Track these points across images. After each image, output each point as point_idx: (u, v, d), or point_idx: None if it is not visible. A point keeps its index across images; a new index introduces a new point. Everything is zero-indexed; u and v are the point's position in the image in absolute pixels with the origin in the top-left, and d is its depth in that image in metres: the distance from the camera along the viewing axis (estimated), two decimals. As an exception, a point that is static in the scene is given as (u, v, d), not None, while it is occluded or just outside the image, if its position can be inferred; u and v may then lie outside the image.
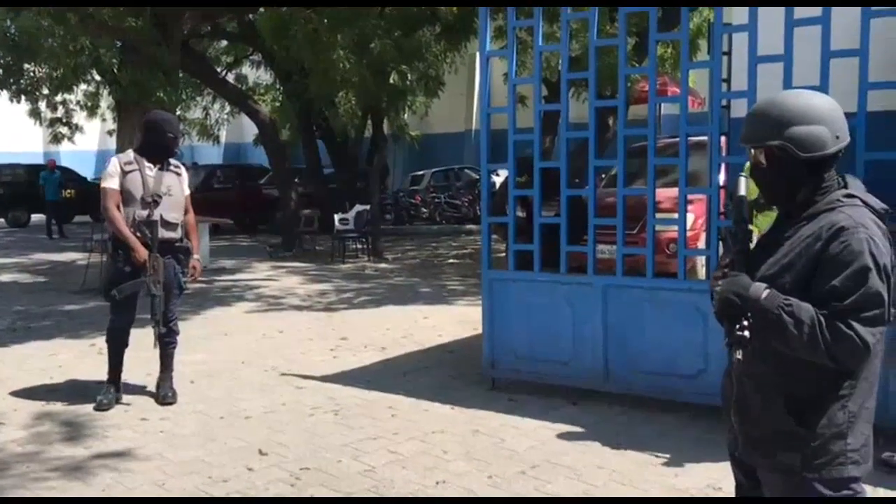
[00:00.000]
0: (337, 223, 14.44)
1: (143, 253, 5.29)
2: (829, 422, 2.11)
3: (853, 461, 2.12)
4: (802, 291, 2.09)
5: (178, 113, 14.33)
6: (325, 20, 12.22)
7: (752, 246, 2.27)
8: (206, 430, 5.11)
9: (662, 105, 10.72)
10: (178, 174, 5.57)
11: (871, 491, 4.02)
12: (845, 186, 2.19)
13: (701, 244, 7.14)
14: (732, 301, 2.11)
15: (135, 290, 5.40)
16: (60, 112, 18.84)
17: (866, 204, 2.15)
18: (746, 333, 2.08)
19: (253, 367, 6.68)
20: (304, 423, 5.25)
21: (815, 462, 2.12)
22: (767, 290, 2.08)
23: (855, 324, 2.01)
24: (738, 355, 2.12)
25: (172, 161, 5.58)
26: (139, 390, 5.87)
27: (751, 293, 2.09)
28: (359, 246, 14.69)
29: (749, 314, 2.09)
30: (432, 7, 12.80)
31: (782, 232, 2.21)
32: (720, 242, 5.16)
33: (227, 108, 20.88)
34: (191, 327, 8.15)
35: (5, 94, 13.59)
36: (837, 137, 2.13)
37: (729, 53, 5.41)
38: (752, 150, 2.22)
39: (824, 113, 2.14)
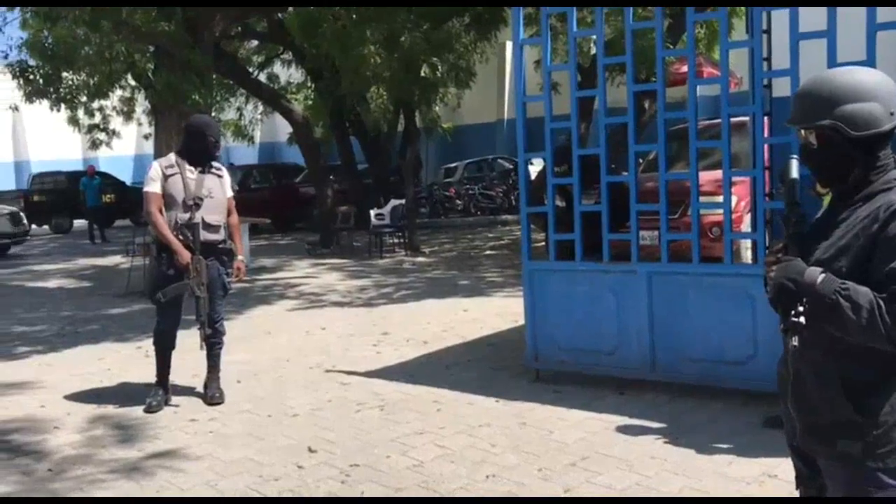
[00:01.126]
0: (373, 218, 14.48)
1: (185, 255, 5.35)
2: (891, 409, 2.04)
3: None
4: (860, 275, 2.02)
5: (212, 114, 14.45)
6: (354, 16, 12.23)
7: (805, 229, 2.20)
8: (255, 429, 5.15)
9: (699, 87, 10.54)
10: (220, 176, 5.61)
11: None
12: None
13: (745, 227, 7.01)
14: (787, 287, 2.05)
15: (179, 293, 5.46)
16: (98, 118, 19.12)
17: None
18: (802, 319, 2.02)
19: (297, 365, 6.72)
20: (351, 419, 5.26)
21: (877, 451, 2.05)
22: (823, 275, 2.02)
23: None
24: (795, 342, 2.07)
25: (214, 164, 5.62)
26: (187, 391, 5.93)
27: (806, 278, 2.02)
28: (395, 240, 14.72)
29: (804, 300, 2.03)
30: (462, 5, 12.74)
31: (837, 214, 2.14)
32: (766, 225, 5.06)
33: (261, 108, 21.03)
34: (234, 327, 8.21)
35: (45, 102, 13.82)
36: (892, 114, 2.05)
37: (769, 31, 5.27)
38: (802, 132, 2.15)
39: (877, 89, 2.06)
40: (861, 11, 4.49)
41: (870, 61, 4.43)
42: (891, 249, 1.99)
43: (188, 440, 4.97)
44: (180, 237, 5.39)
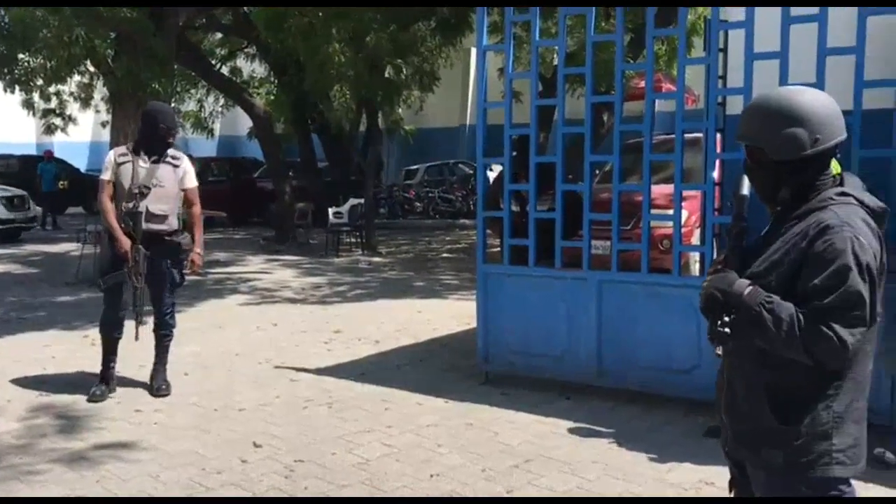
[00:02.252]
0: (331, 217, 14.43)
1: (124, 244, 5.32)
2: (812, 421, 2.10)
3: (838, 462, 2.10)
4: (789, 289, 2.08)
5: (172, 105, 14.27)
6: (321, 13, 12.19)
7: (745, 243, 2.26)
8: (201, 422, 5.11)
9: (656, 102, 10.73)
10: (175, 166, 5.54)
11: (861, 487, 4.06)
12: (842, 184, 2.18)
13: (695, 240, 7.17)
14: (715, 296, 2.11)
15: (117, 281, 5.42)
16: (54, 103, 18.74)
17: (861, 202, 2.13)
18: (727, 330, 2.08)
19: (247, 360, 6.68)
20: (298, 415, 5.26)
21: (798, 461, 2.11)
22: (750, 287, 2.08)
23: (834, 323, 1.99)
24: (718, 351, 2.14)
25: (171, 152, 5.55)
26: (133, 382, 5.86)
27: (733, 289, 2.09)
28: (353, 240, 14.68)
29: (732, 310, 2.09)
30: (429, 5, 12.78)
31: (778, 230, 2.21)
32: (714, 239, 5.18)
33: (222, 101, 20.81)
34: (185, 320, 8.11)
35: (-1, 84, 13.51)
36: (817, 139, 2.10)
37: (725, 50, 5.41)
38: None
39: (807, 114, 2.11)
40: (814, 35, 4.63)
41: (819, 83, 4.58)
42: (814, 266, 2.05)
43: (132, 431, 4.92)
44: (122, 225, 5.36)
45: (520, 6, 5.99)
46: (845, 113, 4.63)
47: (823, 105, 2.15)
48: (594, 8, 5.58)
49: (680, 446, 4.58)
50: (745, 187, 2.26)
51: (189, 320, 8.10)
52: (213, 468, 4.34)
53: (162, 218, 5.45)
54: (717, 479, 4.01)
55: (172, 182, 5.50)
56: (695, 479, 4.15)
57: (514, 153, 5.93)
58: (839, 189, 2.15)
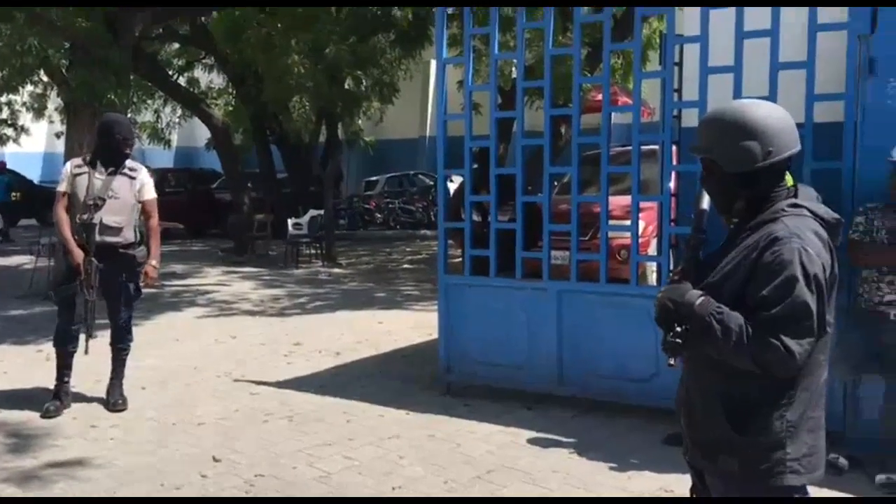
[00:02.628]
0: (290, 228, 14.33)
1: (77, 256, 5.24)
2: (766, 430, 2.12)
3: (793, 470, 2.13)
4: (738, 300, 2.11)
5: (128, 116, 14.07)
6: (279, 24, 12.14)
7: (701, 255, 2.29)
8: (158, 436, 5.04)
9: (613, 114, 10.89)
10: (132, 178, 5.47)
11: (814, 492, 4.14)
12: (796, 196, 2.20)
13: (651, 251, 7.27)
14: (667, 307, 2.14)
15: (69, 294, 5.33)
16: (6, 113, 18.37)
17: (814, 214, 2.16)
18: (678, 340, 2.10)
19: (205, 373, 6.60)
20: (258, 429, 5.20)
21: (753, 469, 2.14)
22: (702, 298, 2.10)
23: (781, 334, 2.02)
24: (671, 361, 2.15)
25: (129, 164, 5.48)
26: (89, 398, 5.75)
27: (685, 300, 2.11)
28: (312, 251, 14.59)
29: (684, 321, 2.11)
30: (387, 11, 12.80)
31: (733, 241, 2.24)
32: (671, 249, 5.27)
33: (179, 112, 20.58)
34: (142, 333, 7.99)
35: (-52, 93, 13.24)
36: (770, 152, 2.13)
37: (680, 64, 5.52)
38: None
39: (759, 127, 2.13)
40: (766, 49, 4.74)
41: (772, 96, 4.68)
42: (763, 277, 2.07)
43: (87, 447, 4.83)
44: (77, 237, 5.28)
45: (481, 5, 6.01)
46: (798, 126, 4.75)
47: (777, 118, 2.18)
48: (552, 22, 5.65)
49: (640, 454, 4.63)
50: (705, 202, 2.29)
51: (146, 333, 7.98)
52: (171, 484, 4.27)
53: (116, 230, 5.36)
54: (676, 486, 4.07)
55: (128, 194, 5.43)
56: (655, 487, 4.20)
57: (476, 166, 5.96)
58: (791, 200, 2.17)
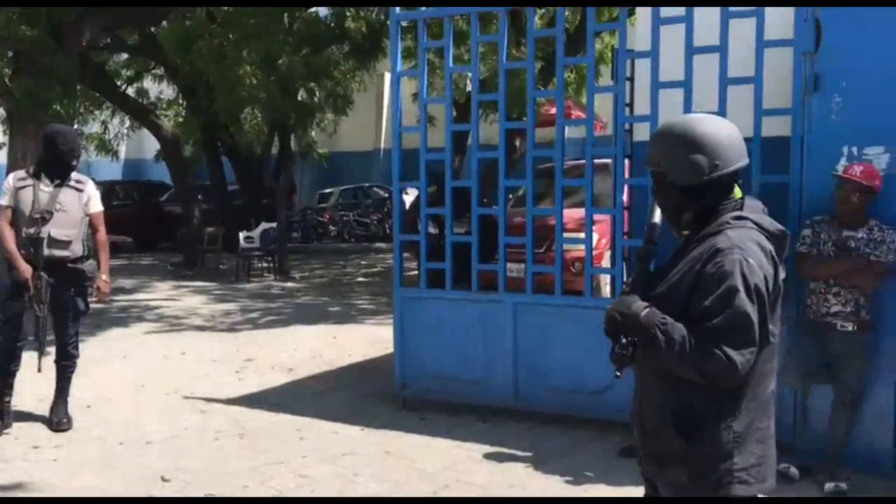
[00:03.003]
0: (242, 241, 14.13)
1: (24, 271, 5.08)
2: (713, 441, 2.14)
3: (741, 481, 2.14)
4: (683, 311, 2.13)
5: (74, 126, 13.75)
6: (231, 35, 12.01)
7: (650, 267, 2.31)
8: (105, 457, 4.89)
9: (566, 128, 11.02)
10: (79, 190, 5.33)
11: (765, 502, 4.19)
12: (742, 208, 2.22)
13: (605, 263, 7.32)
14: (615, 318, 2.17)
15: (17, 311, 5.16)
16: (-56, 123, 17.81)
17: (759, 226, 2.18)
18: (625, 351, 2.13)
19: (154, 391, 6.44)
20: (209, 447, 5.09)
21: (702, 480, 2.16)
22: (647, 309, 2.13)
23: (723, 344, 2.03)
24: (618, 372, 2.16)
25: (75, 176, 5.34)
26: (32, 417, 5.56)
27: (631, 311, 2.14)
28: (264, 265, 14.42)
29: (631, 332, 2.14)
30: (341, 23, 12.76)
31: (682, 253, 2.25)
32: (624, 261, 5.30)
33: (128, 123, 20.21)
34: (88, 349, 7.76)
35: None
36: (716, 165, 2.15)
37: (632, 79, 5.58)
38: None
39: (706, 141, 2.16)
40: (716, 65, 4.82)
41: (721, 111, 4.76)
42: (705, 288, 2.09)
43: (29, 470, 4.66)
44: (23, 252, 5.12)
45: (432, 5, 6.00)
46: (746, 140, 4.82)
47: (724, 132, 2.21)
48: (506, 35, 5.68)
49: (595, 467, 4.64)
50: (657, 215, 2.31)
51: (92, 350, 7.77)
52: (118, 506, 4.15)
53: (65, 244, 5.22)
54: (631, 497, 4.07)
55: (76, 207, 5.28)
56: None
57: (434, 187, 5.94)
58: (736, 213, 2.20)
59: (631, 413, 2.42)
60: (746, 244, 2.11)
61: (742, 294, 2.04)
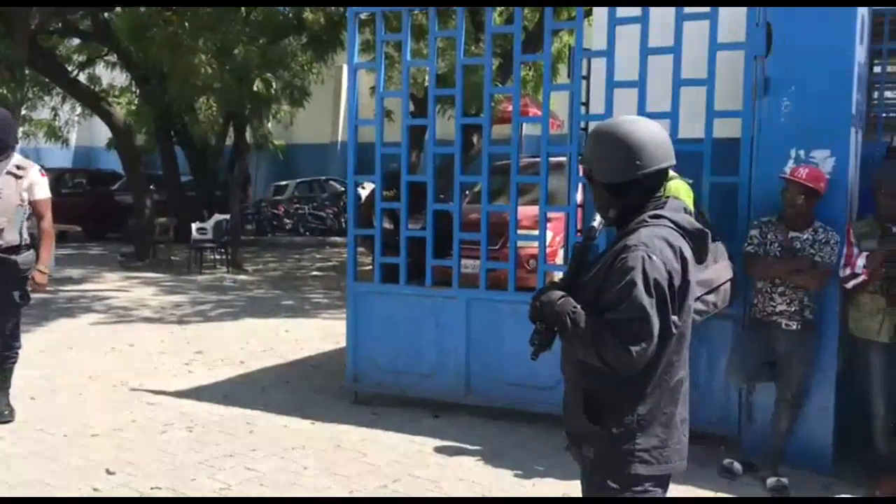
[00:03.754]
0: (194, 232, 13.93)
1: None
2: (618, 423, 2.26)
3: (641, 461, 2.26)
4: (594, 302, 2.26)
5: (23, 112, 13.43)
6: (187, 24, 11.82)
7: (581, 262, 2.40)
8: (48, 449, 4.79)
9: (524, 125, 11.10)
10: (19, 177, 5.16)
11: (702, 493, 4.27)
12: (662, 207, 2.32)
13: (559, 260, 7.38)
14: (535, 306, 2.31)
15: None
16: None
17: (676, 224, 2.28)
18: (539, 336, 2.28)
19: (100, 383, 6.32)
20: (156, 440, 5.01)
21: (606, 457, 2.29)
22: (563, 298, 2.25)
23: (620, 334, 2.16)
24: (533, 356, 2.31)
25: (16, 161, 5.18)
26: (-29, 408, 5.42)
27: (549, 299, 2.27)
28: (217, 257, 14.24)
29: (547, 319, 2.27)
30: (299, 14, 12.64)
31: (609, 248, 2.36)
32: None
33: (79, 110, 19.77)
34: (32, 340, 7.61)
35: None
36: (637, 163, 2.25)
37: (588, 78, 5.63)
38: None
39: (630, 142, 2.26)
40: (669, 66, 4.89)
41: (674, 111, 4.84)
42: (611, 281, 2.22)
43: (-32, 461, 4.55)
44: None
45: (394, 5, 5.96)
46: (697, 141, 4.90)
47: (649, 134, 2.29)
48: (464, 31, 5.68)
49: (544, 461, 4.68)
50: (597, 220, 2.39)
51: (37, 341, 7.60)
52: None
53: None
54: (577, 491, 4.11)
55: (12, 193, 5.10)
56: (558, 492, 4.25)
57: (393, 190, 5.91)
58: (654, 212, 2.30)
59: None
60: (654, 241, 2.21)
61: (640, 288, 2.15)
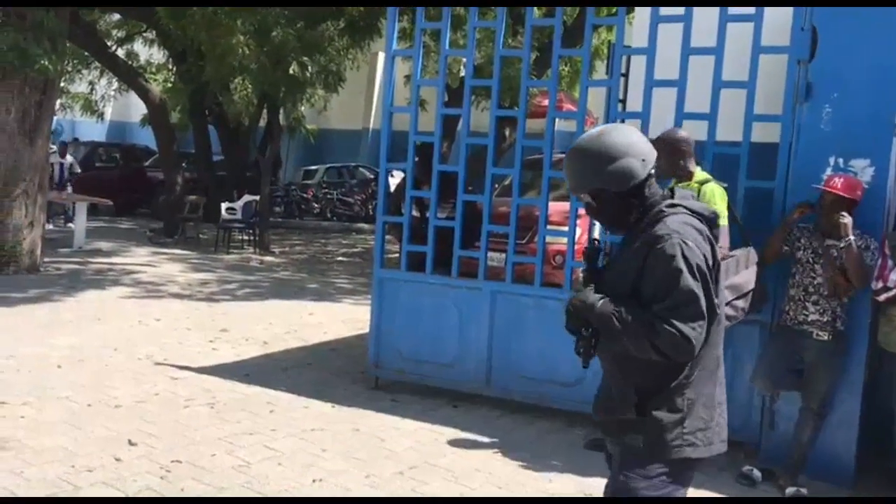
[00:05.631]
0: (223, 212, 14.04)
1: None
2: (670, 409, 2.31)
3: (690, 444, 2.32)
4: (632, 297, 2.31)
5: (61, 85, 13.57)
6: (226, 5, 11.87)
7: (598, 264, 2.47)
8: (72, 417, 4.86)
9: (557, 120, 11.05)
10: None
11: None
12: (672, 197, 2.39)
13: (586, 258, 7.33)
14: (571, 311, 2.34)
15: None
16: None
17: (692, 211, 2.36)
18: (587, 343, 2.30)
19: (125, 355, 6.40)
20: (178, 414, 5.07)
21: (655, 445, 2.32)
22: (602, 300, 2.29)
23: (674, 320, 2.20)
24: (585, 365, 2.32)
25: None
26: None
27: (588, 303, 2.30)
28: (245, 237, 14.34)
29: (590, 323, 2.29)
30: (339, 6, 12.66)
31: (627, 245, 2.42)
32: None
33: (115, 85, 19.96)
34: (61, 310, 7.73)
35: None
36: (644, 161, 2.33)
37: (626, 75, 5.58)
38: (581, 195, 2.43)
39: (624, 145, 2.33)
40: (710, 66, 4.83)
41: (713, 113, 4.78)
42: (652, 273, 2.27)
43: (-5, 424, 4.63)
44: None
45: (429, 5, 5.96)
46: (735, 144, 4.84)
47: (630, 135, 2.37)
48: (504, 23, 5.66)
49: (562, 457, 4.67)
50: (596, 232, 2.45)
51: (65, 311, 7.72)
52: (83, 466, 4.12)
53: None
54: (596, 491, 4.10)
55: None
56: (573, 490, 4.23)
57: (417, 158, 5.91)
58: (669, 202, 2.37)
59: (595, 395, 2.57)
60: (683, 228, 2.28)
61: (686, 273, 2.22)
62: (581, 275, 2.47)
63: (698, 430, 2.33)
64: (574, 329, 2.33)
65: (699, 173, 4.45)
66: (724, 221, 4.26)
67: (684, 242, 2.25)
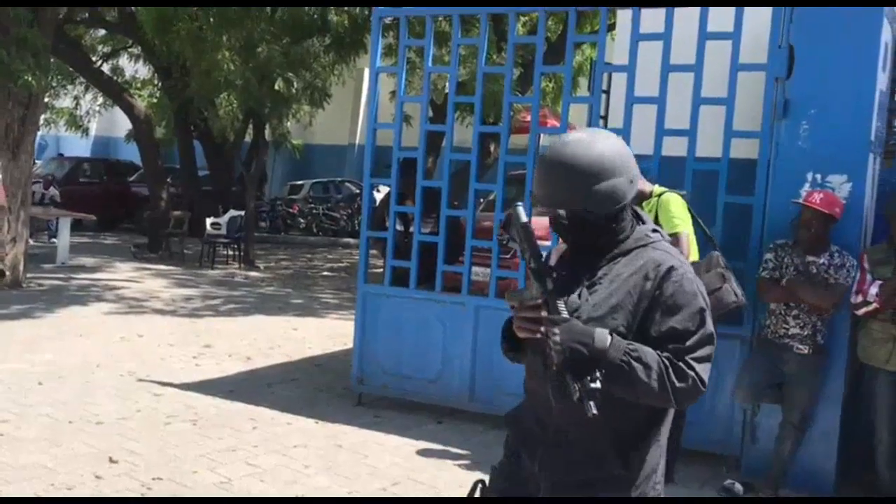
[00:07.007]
0: (208, 227, 13.99)
1: None
2: (648, 458, 2.07)
3: (656, 492, 2.10)
4: (638, 333, 2.00)
5: (45, 100, 13.55)
6: (212, 19, 11.90)
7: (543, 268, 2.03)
8: (52, 434, 4.82)
9: (541, 136, 11.13)
10: None
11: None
12: (638, 217, 2.13)
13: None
14: (580, 351, 1.92)
15: None
16: None
17: (664, 237, 2.14)
18: (598, 385, 1.89)
19: (108, 371, 6.36)
20: (160, 431, 5.04)
21: (630, 498, 2.06)
22: (611, 337, 1.94)
23: (694, 364, 1.97)
24: (594, 410, 1.87)
25: None
26: (-21, 389, 5.47)
27: (597, 342, 1.92)
28: (230, 252, 14.29)
29: (597, 364, 1.92)
30: (324, 15, 12.71)
31: (589, 268, 2.08)
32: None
33: (100, 100, 19.93)
34: (42, 326, 7.68)
35: None
36: (632, 182, 2.04)
37: (608, 92, 5.64)
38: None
39: (616, 162, 2.01)
40: (690, 83, 4.89)
41: (692, 130, 4.83)
42: (667, 309, 1.99)
43: (-26, 442, 4.59)
44: None
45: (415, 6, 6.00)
46: (714, 160, 4.89)
47: (621, 149, 2.06)
48: (486, 39, 5.71)
49: (545, 473, 4.66)
50: (524, 215, 2.00)
51: (47, 327, 7.66)
52: (62, 483, 4.09)
53: None
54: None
55: None
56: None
57: (401, 174, 5.93)
58: (651, 226, 2.13)
59: (514, 442, 2.27)
60: (683, 259, 2.08)
61: (707, 314, 2.01)
62: (531, 292, 1.98)
63: (660, 474, 2.12)
64: (578, 372, 1.89)
65: (656, 188, 4.52)
66: (687, 228, 4.36)
67: (698, 278, 2.05)
